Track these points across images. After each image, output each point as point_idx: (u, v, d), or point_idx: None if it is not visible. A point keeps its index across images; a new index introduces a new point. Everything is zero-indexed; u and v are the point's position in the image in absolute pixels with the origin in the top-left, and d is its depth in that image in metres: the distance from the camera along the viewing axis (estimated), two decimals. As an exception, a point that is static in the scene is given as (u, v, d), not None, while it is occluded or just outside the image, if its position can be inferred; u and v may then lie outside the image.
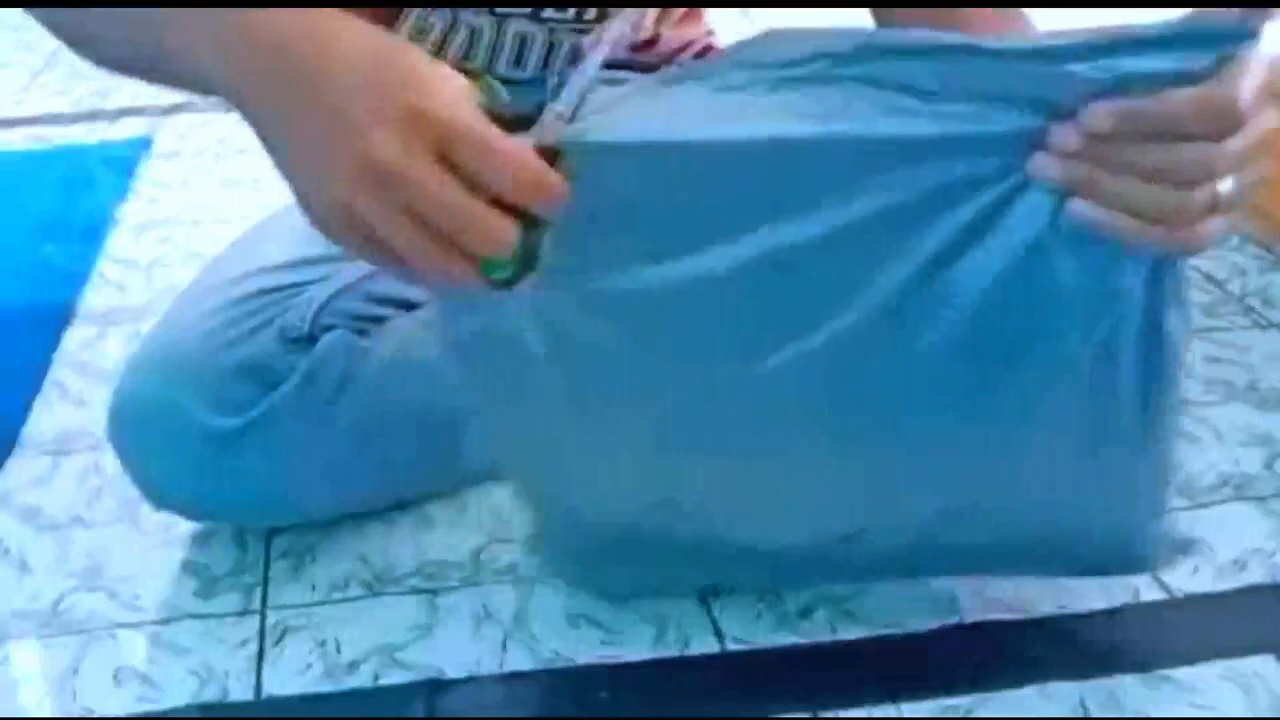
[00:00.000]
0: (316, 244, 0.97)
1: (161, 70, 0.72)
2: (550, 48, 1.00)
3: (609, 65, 1.04)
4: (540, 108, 0.67)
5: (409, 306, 0.96)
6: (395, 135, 0.59)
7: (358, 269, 0.95)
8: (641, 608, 0.87)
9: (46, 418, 1.14)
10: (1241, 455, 1.00)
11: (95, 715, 0.81)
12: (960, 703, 0.78)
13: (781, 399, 0.70)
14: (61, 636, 0.88)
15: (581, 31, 1.00)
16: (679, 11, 1.10)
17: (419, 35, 0.99)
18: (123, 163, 1.71)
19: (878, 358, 0.68)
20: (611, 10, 1.00)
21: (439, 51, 1.00)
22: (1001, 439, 0.71)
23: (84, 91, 1.98)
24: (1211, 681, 0.79)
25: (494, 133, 0.60)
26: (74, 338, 1.28)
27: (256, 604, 0.90)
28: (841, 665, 0.82)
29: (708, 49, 1.13)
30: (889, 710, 0.78)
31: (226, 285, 0.94)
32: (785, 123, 0.64)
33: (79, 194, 1.64)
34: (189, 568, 0.94)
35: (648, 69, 1.07)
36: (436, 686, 0.82)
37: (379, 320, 0.96)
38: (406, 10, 0.98)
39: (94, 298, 1.37)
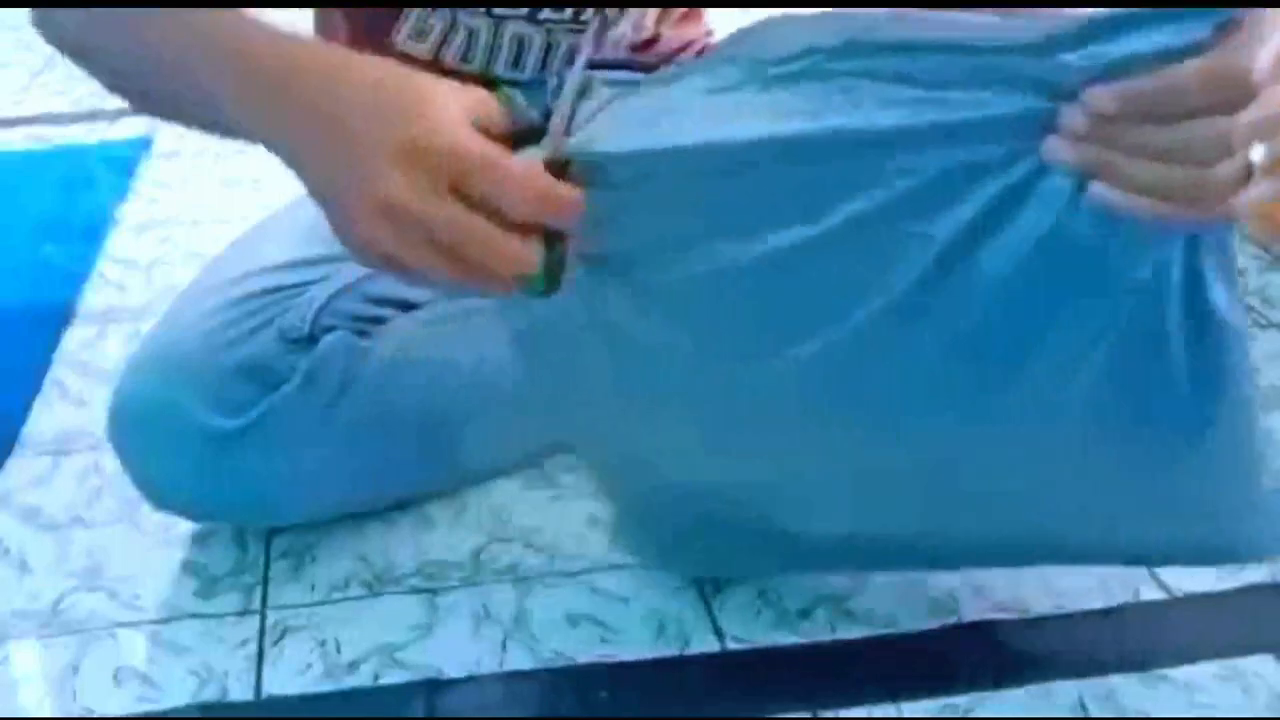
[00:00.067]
0: (316, 244, 0.97)
1: (185, 108, 0.74)
2: (548, 49, 1.00)
3: (609, 65, 1.05)
4: (549, 116, 0.67)
5: (409, 307, 0.96)
6: (404, 173, 0.60)
7: (358, 269, 0.95)
8: (641, 608, 0.87)
9: (46, 418, 1.14)
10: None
11: (95, 715, 0.81)
12: (960, 702, 0.78)
13: (815, 389, 0.70)
14: (61, 636, 0.88)
15: (579, 32, 1.00)
16: (678, 11, 1.10)
17: (419, 37, 0.99)
18: (123, 163, 1.72)
19: (902, 347, 0.67)
20: (609, 11, 1.00)
21: (438, 53, 1.00)
22: (1045, 424, 0.69)
23: (84, 91, 1.98)
24: (1210, 681, 0.79)
25: (500, 157, 0.61)
26: (74, 338, 1.28)
27: (256, 604, 0.90)
28: (841, 665, 0.82)
29: (707, 49, 1.13)
30: (889, 710, 0.78)
31: (226, 285, 0.94)
32: (780, 122, 0.64)
33: (79, 194, 1.65)
34: (189, 568, 0.94)
35: (647, 69, 1.07)
36: (436, 686, 0.82)
37: (379, 321, 0.96)
38: (407, 11, 0.98)
39: (94, 298, 1.37)
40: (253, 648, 0.86)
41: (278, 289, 0.94)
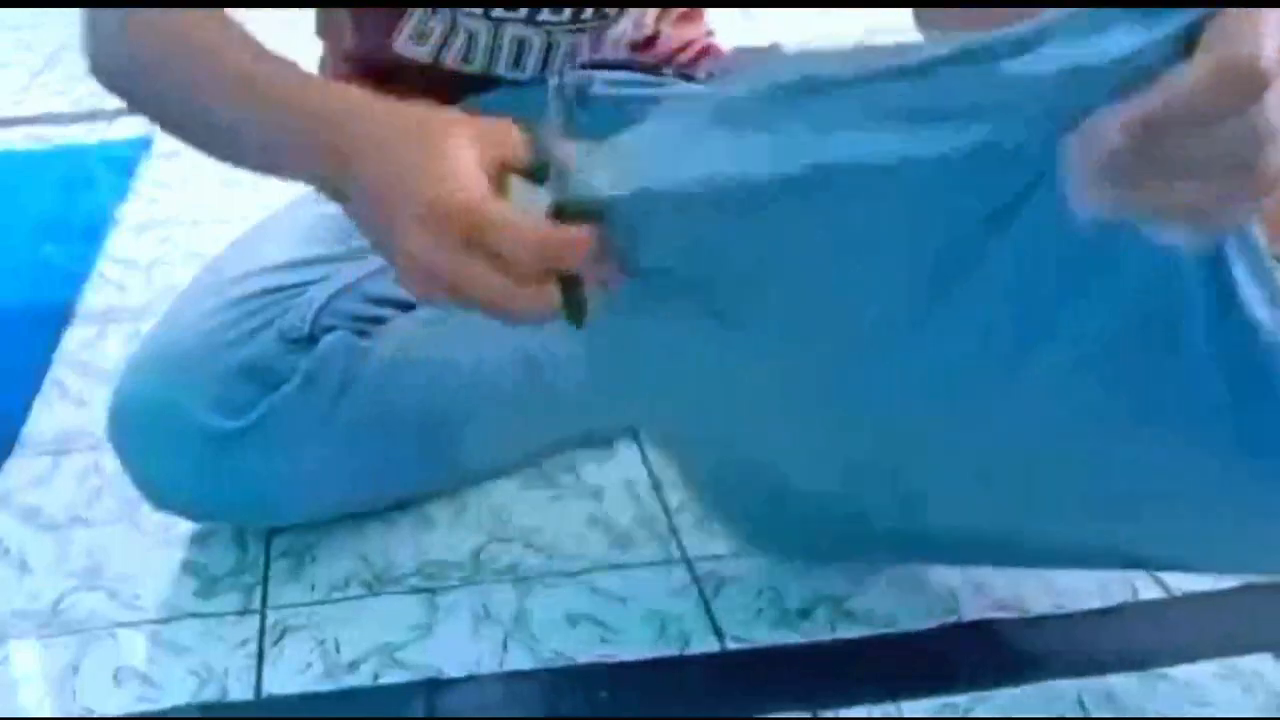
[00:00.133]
0: (316, 244, 0.97)
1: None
2: (549, 49, 1.00)
3: (609, 65, 1.05)
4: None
5: (409, 307, 0.97)
6: (423, 231, 0.64)
7: (358, 269, 0.96)
8: (641, 608, 0.87)
9: (46, 418, 1.15)
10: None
11: (95, 715, 0.81)
12: (959, 701, 0.78)
13: (883, 386, 0.70)
14: (61, 636, 0.88)
15: (578, 32, 1.00)
16: (678, 10, 1.10)
17: (419, 39, 0.99)
18: (123, 163, 1.72)
19: (928, 361, 0.67)
20: (609, 11, 1.00)
21: (438, 55, 1.00)
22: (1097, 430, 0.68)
23: (84, 91, 1.98)
24: (1210, 680, 0.79)
25: (502, 213, 0.64)
26: (74, 338, 1.28)
27: (256, 604, 0.90)
28: (841, 665, 0.82)
29: (707, 49, 1.13)
30: (889, 710, 0.78)
31: (226, 285, 0.94)
32: (769, 157, 0.64)
33: (79, 194, 1.65)
34: (189, 568, 0.94)
35: (647, 69, 1.08)
36: (436, 686, 0.82)
37: (379, 321, 0.96)
38: (407, 14, 0.98)
39: (94, 298, 1.37)
40: (253, 647, 0.86)
41: (278, 289, 0.94)
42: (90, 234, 1.51)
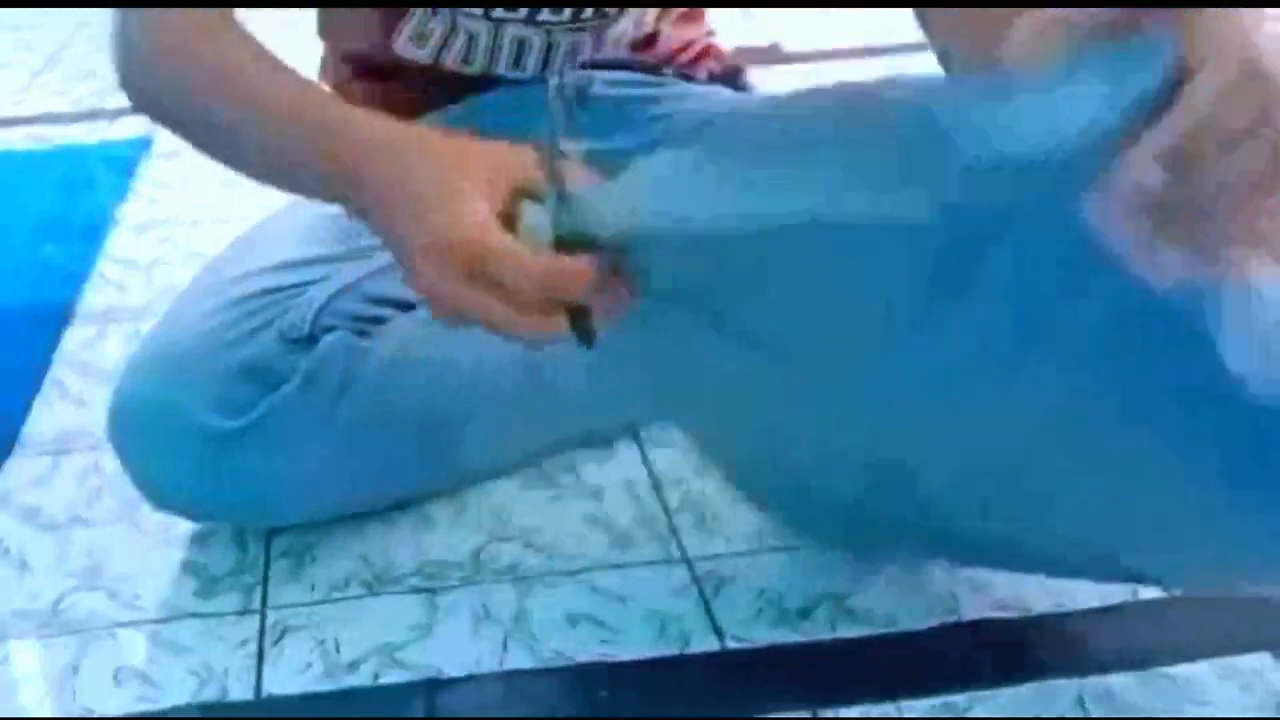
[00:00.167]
0: (316, 244, 0.97)
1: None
2: (549, 48, 1.00)
3: (609, 65, 1.05)
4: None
5: (409, 307, 0.97)
6: (432, 263, 0.67)
7: (357, 269, 0.96)
8: (641, 607, 0.87)
9: (46, 418, 1.15)
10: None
11: (95, 715, 0.81)
12: (959, 701, 0.78)
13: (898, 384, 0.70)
14: (61, 636, 0.88)
15: (578, 31, 1.00)
16: (679, 10, 1.10)
17: (419, 41, 0.99)
18: (123, 163, 1.72)
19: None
20: (609, 10, 1.00)
21: (438, 56, 1.00)
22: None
23: (84, 91, 1.98)
24: (1210, 679, 0.79)
25: (504, 246, 0.66)
26: (74, 338, 1.28)
27: (256, 604, 0.90)
28: (841, 664, 0.82)
29: (708, 50, 1.13)
30: (889, 709, 0.78)
31: (226, 285, 0.94)
32: (749, 197, 0.65)
33: (79, 194, 1.65)
34: (189, 568, 0.94)
35: (647, 69, 1.08)
36: (436, 686, 0.82)
37: (379, 321, 0.96)
38: (408, 15, 0.98)
39: (94, 298, 1.37)
40: (253, 647, 0.86)
41: (278, 289, 0.94)
42: (90, 234, 1.51)
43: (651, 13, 1.07)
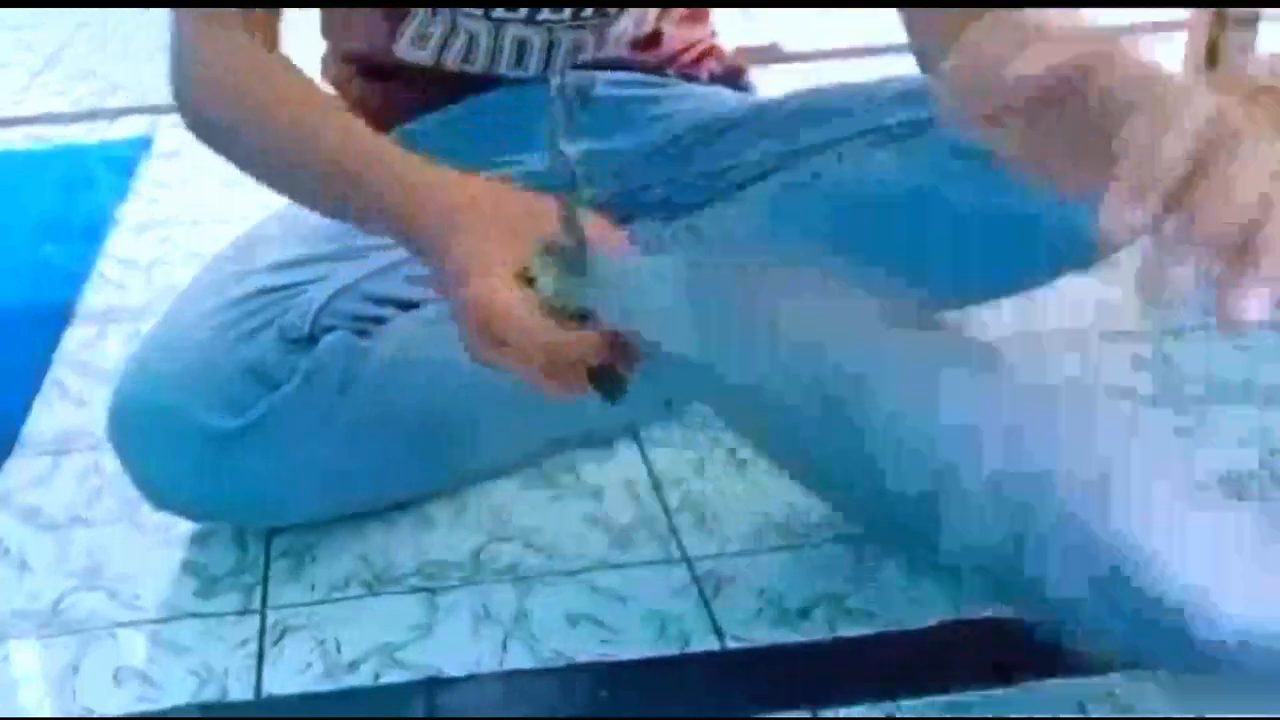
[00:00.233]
0: (316, 244, 0.97)
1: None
2: (550, 47, 1.00)
3: (610, 65, 1.05)
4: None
5: (409, 306, 0.97)
6: (463, 325, 0.72)
7: (357, 269, 0.96)
8: (641, 607, 0.87)
9: (46, 418, 1.15)
10: (1240, 453, 1.00)
11: (95, 715, 0.81)
12: (959, 701, 0.78)
13: None
14: (61, 636, 0.88)
15: (579, 29, 1.00)
16: (680, 10, 1.10)
17: (420, 42, 0.99)
18: (123, 163, 1.72)
19: None
20: (610, 10, 1.00)
21: (439, 57, 1.00)
22: None
23: (84, 91, 1.98)
24: (1209, 679, 0.79)
25: (518, 316, 0.70)
26: (74, 338, 1.28)
27: (256, 604, 0.90)
28: (841, 664, 0.82)
29: (710, 50, 1.13)
30: (889, 709, 0.78)
31: (226, 285, 0.94)
32: None
33: (79, 194, 1.65)
34: (189, 568, 0.94)
35: (649, 69, 1.08)
36: (436, 686, 0.82)
37: (379, 321, 0.96)
38: (409, 17, 0.98)
39: (94, 298, 1.37)
40: (253, 647, 0.86)
41: (278, 289, 0.94)
42: (90, 234, 1.51)
43: (652, 12, 1.07)
